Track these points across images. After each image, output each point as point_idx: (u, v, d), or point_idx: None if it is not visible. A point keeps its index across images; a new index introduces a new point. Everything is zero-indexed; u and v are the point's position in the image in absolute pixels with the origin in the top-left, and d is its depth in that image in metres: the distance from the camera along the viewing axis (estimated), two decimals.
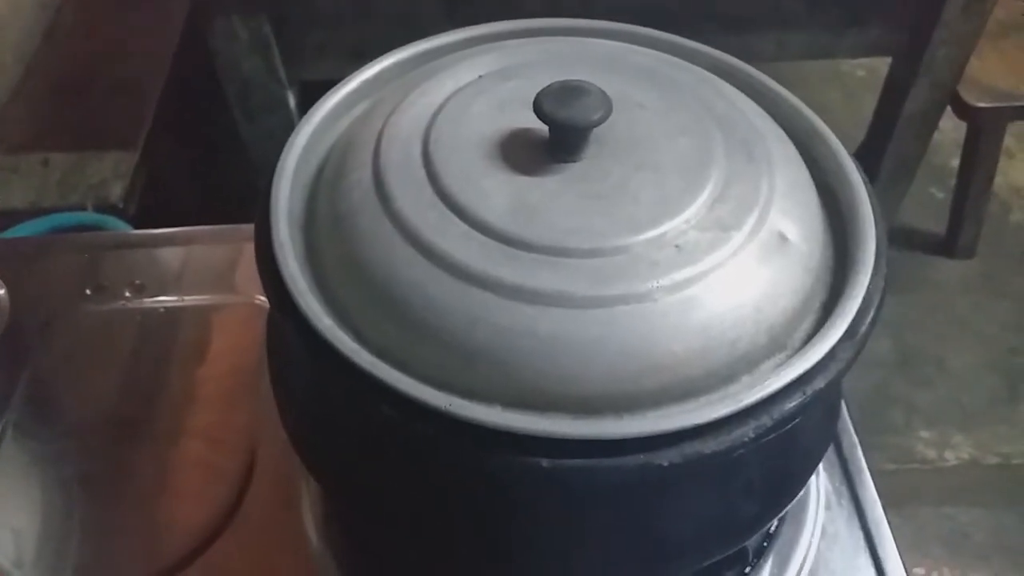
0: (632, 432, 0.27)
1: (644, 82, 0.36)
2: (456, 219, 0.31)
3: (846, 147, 0.36)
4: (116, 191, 1.04)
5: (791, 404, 0.28)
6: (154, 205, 1.10)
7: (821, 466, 0.45)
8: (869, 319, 0.31)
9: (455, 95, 0.35)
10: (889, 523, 0.43)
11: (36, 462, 0.46)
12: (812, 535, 0.43)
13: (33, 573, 0.42)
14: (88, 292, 0.53)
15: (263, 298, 0.50)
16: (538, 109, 0.31)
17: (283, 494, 0.44)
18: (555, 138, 0.32)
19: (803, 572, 0.42)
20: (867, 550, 0.43)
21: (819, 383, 0.29)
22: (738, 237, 0.31)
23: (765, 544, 0.42)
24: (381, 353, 0.29)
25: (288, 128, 0.96)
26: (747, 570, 0.41)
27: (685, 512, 0.31)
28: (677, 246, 0.30)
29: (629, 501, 0.30)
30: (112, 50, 1.35)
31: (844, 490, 0.45)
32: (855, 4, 1.12)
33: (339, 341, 0.29)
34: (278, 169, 0.34)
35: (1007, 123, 1.40)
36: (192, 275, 0.54)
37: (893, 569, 0.42)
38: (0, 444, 0.46)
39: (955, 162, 1.83)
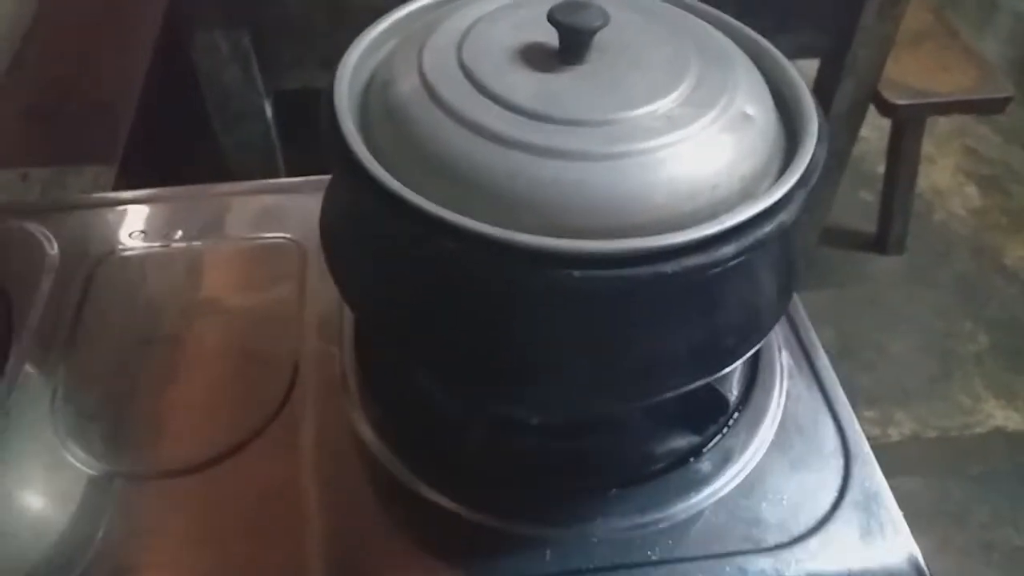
0: (644, 247, 0.35)
1: (630, 10, 0.44)
2: (492, 103, 0.39)
3: None
4: None
5: (762, 231, 0.37)
6: None
7: (783, 346, 0.54)
8: (816, 173, 0.39)
9: (478, 21, 0.44)
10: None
11: (96, 370, 0.52)
12: (780, 398, 0.51)
13: (90, 453, 0.48)
14: (130, 235, 0.60)
15: (293, 236, 0.58)
16: (551, 18, 0.40)
17: (326, 389, 0.51)
18: (564, 43, 0.41)
19: (775, 424, 0.50)
20: (825, 405, 0.51)
21: (783, 217, 0.37)
22: (713, 113, 0.39)
23: (741, 407, 0.51)
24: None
25: (265, 135, 1.01)
26: (730, 422, 0.49)
27: (682, 320, 0.39)
28: (668, 117, 0.39)
29: (641, 307, 0.38)
30: (83, 72, 1.38)
31: (803, 363, 0.53)
32: (784, 10, 1.24)
33: (412, 196, 0.36)
34: (339, 71, 0.42)
35: (925, 118, 1.54)
36: (227, 220, 0.61)
37: (846, 417, 0.50)
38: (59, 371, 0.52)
39: (881, 168, 1.97)
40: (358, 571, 0.44)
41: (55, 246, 0.59)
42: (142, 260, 0.58)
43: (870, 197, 2.02)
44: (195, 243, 0.59)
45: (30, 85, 1.34)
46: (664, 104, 0.39)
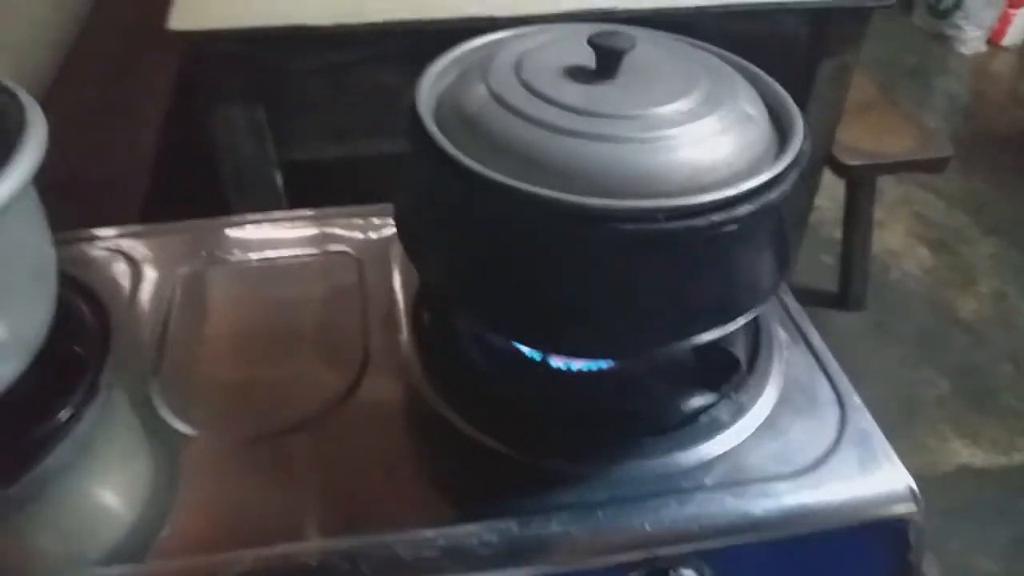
0: (682, 205, 0.45)
1: (649, 43, 0.55)
2: (549, 105, 0.49)
3: None
4: None
5: (768, 197, 0.47)
6: None
7: (780, 324, 0.64)
8: (805, 159, 0.50)
9: (527, 52, 0.54)
10: None
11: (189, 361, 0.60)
12: (780, 363, 0.61)
13: (188, 422, 0.55)
14: (204, 255, 0.68)
15: (349, 249, 0.67)
16: (591, 42, 0.51)
17: (394, 368, 0.59)
18: (601, 62, 0.51)
19: (778, 383, 0.59)
20: (819, 368, 0.61)
21: (783, 187, 0.48)
22: (722, 110, 0.50)
23: (749, 370, 0.60)
24: None
25: (276, 204, 1.08)
26: (741, 382, 0.58)
27: (707, 272, 0.49)
28: (689, 112, 0.49)
29: (677, 258, 0.48)
30: (93, 153, 1.45)
31: (797, 335, 0.63)
32: None
33: (497, 175, 0.46)
34: (418, 91, 0.52)
35: (876, 178, 1.69)
36: (291, 239, 0.70)
37: (838, 375, 0.60)
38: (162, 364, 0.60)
39: (838, 233, 2.12)
40: (429, 508, 0.51)
41: (145, 264, 0.67)
42: (220, 273, 0.67)
43: (830, 260, 2.16)
44: (264, 259, 0.68)
45: (42, 166, 1.41)
46: (684, 103, 0.50)
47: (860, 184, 1.72)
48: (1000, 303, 2.10)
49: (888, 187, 2.37)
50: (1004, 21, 3.12)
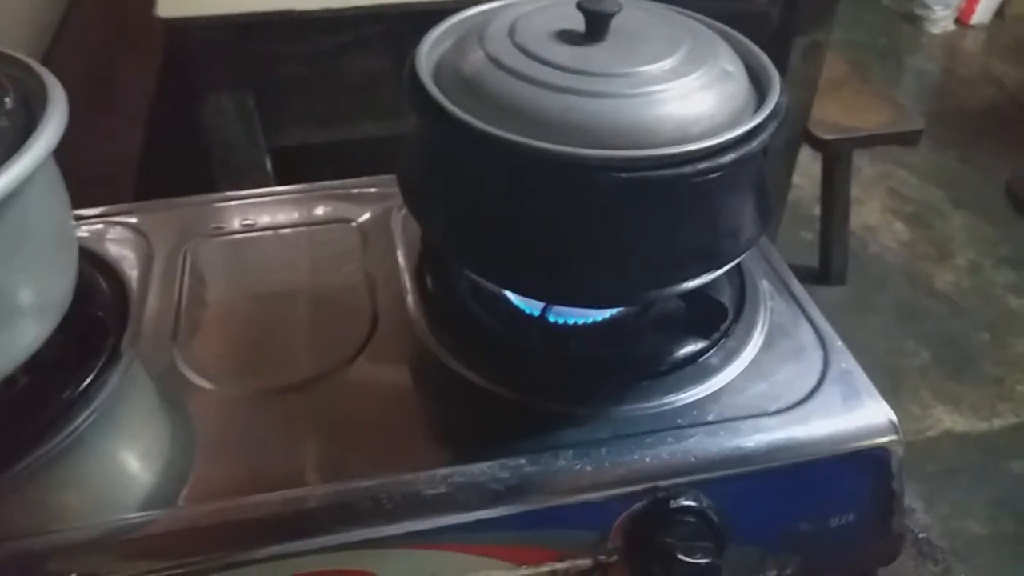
0: (670, 153, 0.48)
1: (634, 8, 0.59)
2: (543, 66, 0.52)
3: None
4: None
5: (750, 145, 0.50)
6: None
7: (763, 276, 0.67)
8: (783, 111, 0.53)
9: (519, 18, 0.57)
10: None
11: (206, 323, 0.63)
12: (765, 312, 0.64)
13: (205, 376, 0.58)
14: (213, 227, 0.71)
15: (352, 219, 0.70)
16: (579, 6, 0.54)
17: (403, 327, 0.62)
18: (589, 25, 0.55)
19: (764, 330, 0.62)
20: (802, 314, 0.64)
21: (763, 136, 0.51)
22: (704, 68, 0.53)
23: (736, 319, 0.63)
24: None
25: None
26: (729, 330, 0.62)
27: (694, 217, 0.52)
28: (673, 70, 0.53)
29: (667, 204, 0.51)
30: (81, 147, 1.46)
31: (781, 287, 0.67)
32: None
33: (501, 132, 0.49)
34: (418, 55, 0.55)
35: (852, 152, 1.73)
36: (296, 212, 0.73)
37: (820, 321, 0.64)
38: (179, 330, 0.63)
39: (817, 210, 2.16)
40: (443, 450, 0.54)
41: (156, 237, 0.70)
42: (229, 244, 0.70)
43: (810, 236, 2.21)
44: (272, 229, 0.71)
45: None
46: (669, 62, 0.53)
47: (837, 159, 1.76)
48: (975, 274, 2.15)
49: (864, 164, 2.42)
50: (972, 0, 3.19)
